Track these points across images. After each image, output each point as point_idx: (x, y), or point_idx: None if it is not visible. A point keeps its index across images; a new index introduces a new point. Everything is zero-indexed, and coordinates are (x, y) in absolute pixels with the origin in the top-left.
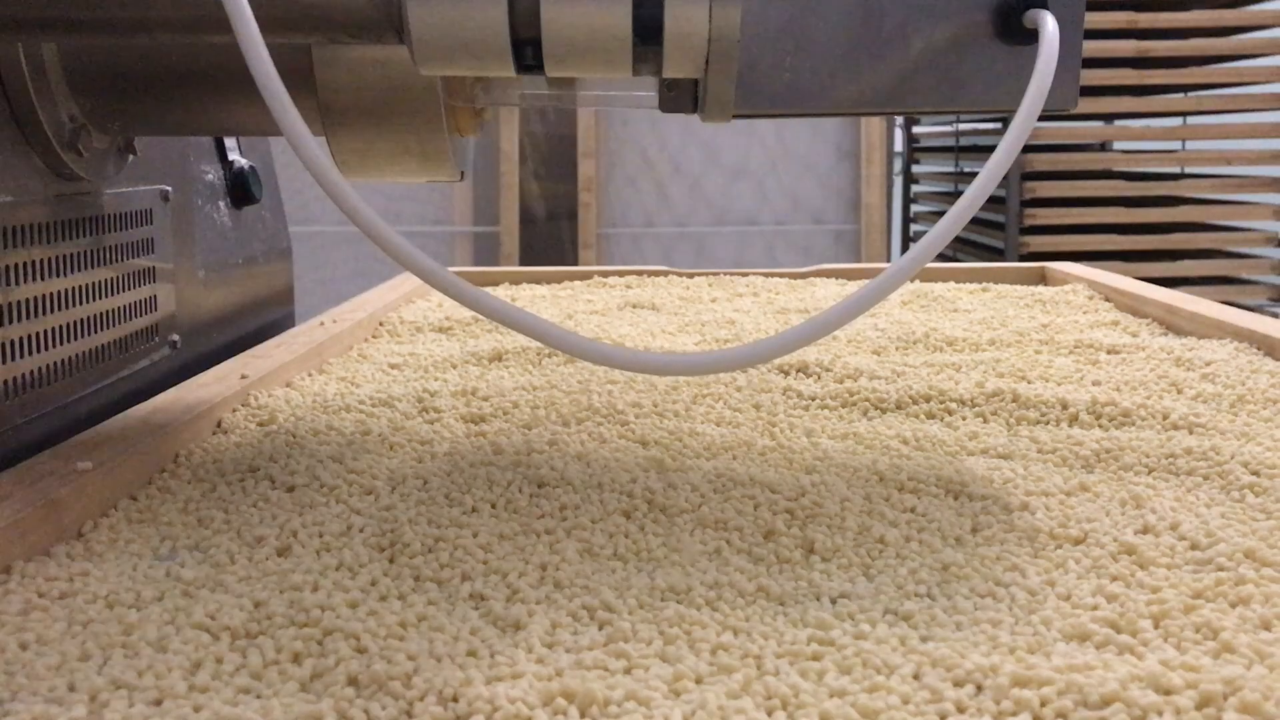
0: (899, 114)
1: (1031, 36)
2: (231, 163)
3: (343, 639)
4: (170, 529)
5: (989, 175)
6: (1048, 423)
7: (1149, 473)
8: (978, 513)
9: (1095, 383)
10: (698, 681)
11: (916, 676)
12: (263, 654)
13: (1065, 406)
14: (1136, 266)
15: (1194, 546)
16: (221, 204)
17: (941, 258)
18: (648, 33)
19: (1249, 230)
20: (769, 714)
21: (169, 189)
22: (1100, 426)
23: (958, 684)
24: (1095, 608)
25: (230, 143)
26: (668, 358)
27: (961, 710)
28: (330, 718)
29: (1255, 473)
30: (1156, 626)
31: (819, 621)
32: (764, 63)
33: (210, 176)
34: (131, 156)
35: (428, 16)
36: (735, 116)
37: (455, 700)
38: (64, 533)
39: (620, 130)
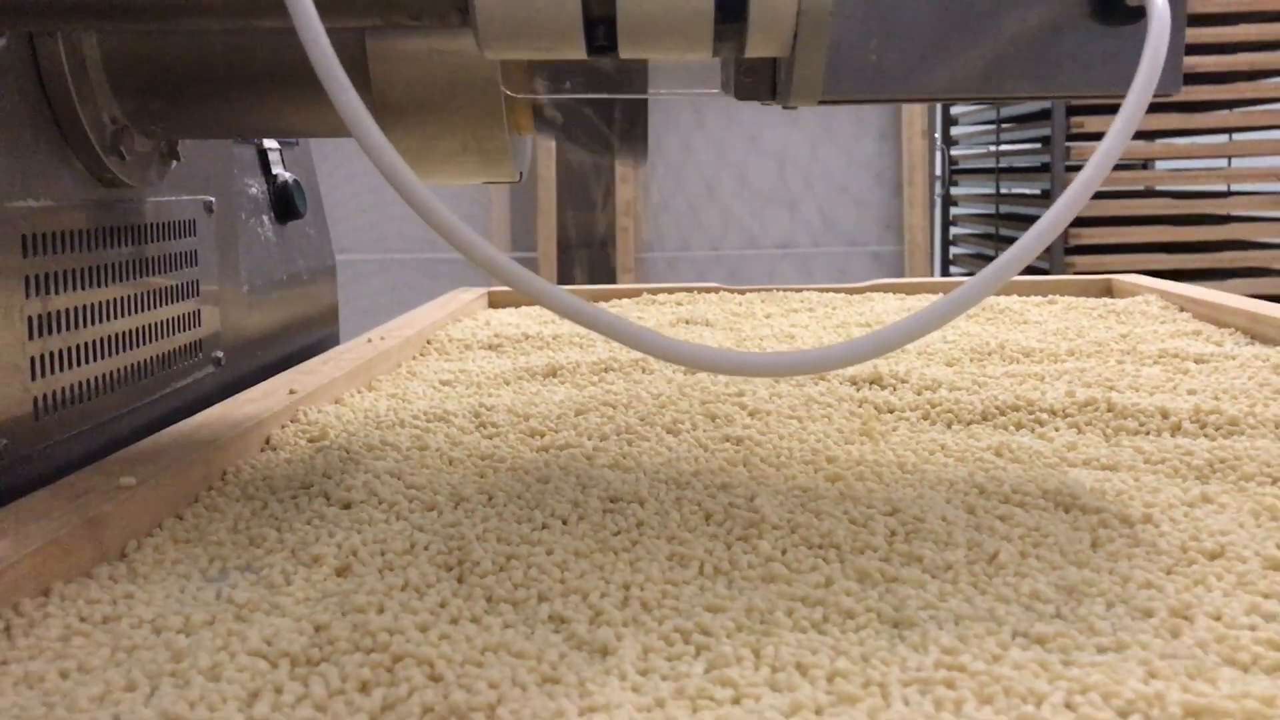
0: (990, 100)
1: (1130, 17)
2: (275, 176)
3: (415, 665)
4: (220, 549)
5: (1095, 170)
6: (1148, 432)
7: (1273, 483)
8: (1095, 526)
9: (1190, 391)
10: (818, 713)
11: (1069, 706)
12: (327, 683)
13: (1166, 415)
14: (1184, 287)
15: None
16: (265, 218)
17: None
18: (731, 7)
19: None
20: None
21: (212, 200)
22: (1207, 436)
23: (1121, 715)
24: (1254, 628)
25: (274, 155)
26: (770, 357)
27: None
28: None
29: None
30: None
31: (944, 646)
32: (848, 44)
33: (254, 190)
34: (175, 163)
35: None
36: (822, 102)
37: None
38: (106, 553)
39: (654, 156)
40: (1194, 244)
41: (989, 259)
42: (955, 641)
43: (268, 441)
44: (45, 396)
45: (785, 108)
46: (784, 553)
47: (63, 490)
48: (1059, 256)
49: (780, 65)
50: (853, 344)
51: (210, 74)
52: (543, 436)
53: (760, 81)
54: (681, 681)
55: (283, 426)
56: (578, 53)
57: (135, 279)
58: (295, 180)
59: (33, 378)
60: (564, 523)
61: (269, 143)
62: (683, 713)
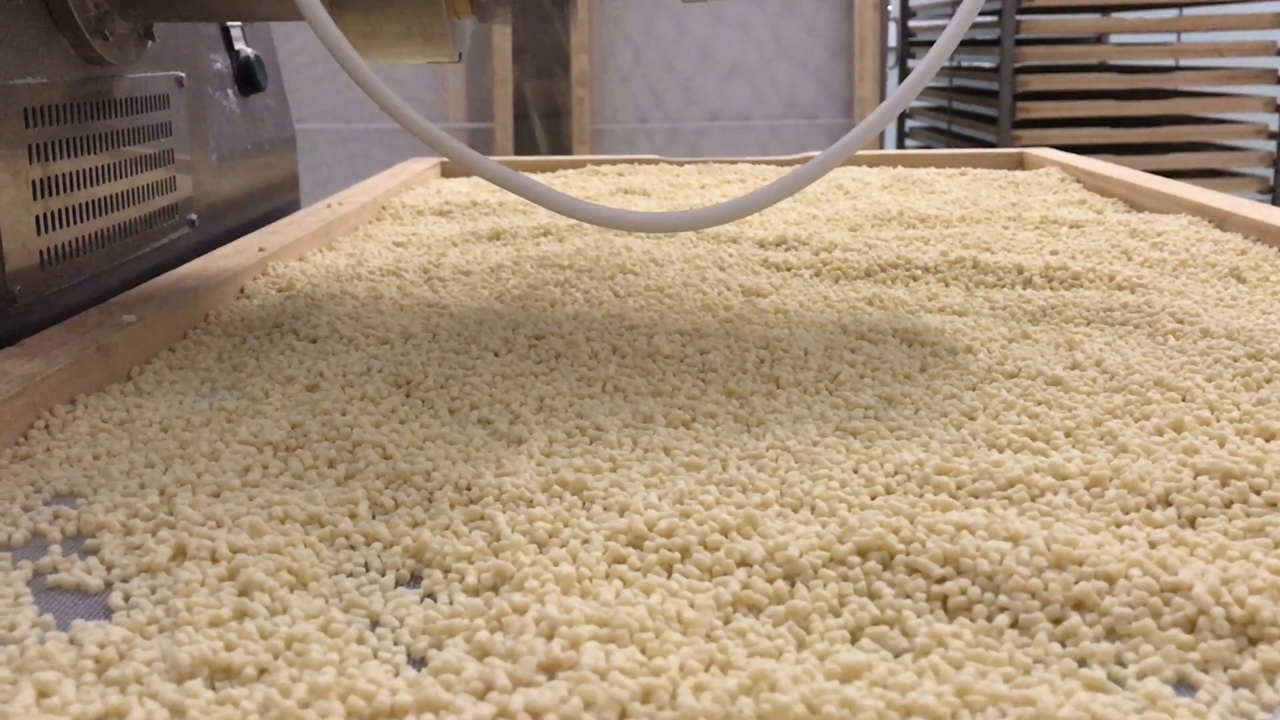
0: None
1: None
2: (238, 52)
3: (370, 448)
4: (208, 373)
5: (929, 63)
6: (1003, 286)
7: (1087, 324)
8: (926, 355)
9: (1053, 252)
10: (671, 473)
11: (856, 470)
12: (302, 461)
13: (1021, 271)
14: (1128, 160)
15: (1113, 377)
16: (230, 91)
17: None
18: None
19: (1240, 123)
20: (728, 496)
21: (183, 75)
22: (1051, 288)
23: (889, 474)
24: (1019, 423)
25: (236, 32)
26: (636, 215)
27: (889, 491)
28: (363, 504)
29: (1180, 321)
30: (1067, 436)
31: (777, 435)
32: None
33: (219, 65)
34: (151, 43)
35: None
36: None
37: (469, 489)
38: (116, 374)
39: (613, 27)
40: (1141, 119)
41: (942, 132)
42: (788, 433)
43: (242, 291)
44: (48, 249)
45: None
46: (674, 374)
47: (76, 325)
48: (1006, 130)
49: None
50: (709, 209)
51: None
52: (484, 289)
53: None
54: (575, 459)
55: (255, 279)
56: None
57: (119, 148)
58: (256, 55)
59: (38, 234)
60: (495, 354)
61: None
62: (569, 474)
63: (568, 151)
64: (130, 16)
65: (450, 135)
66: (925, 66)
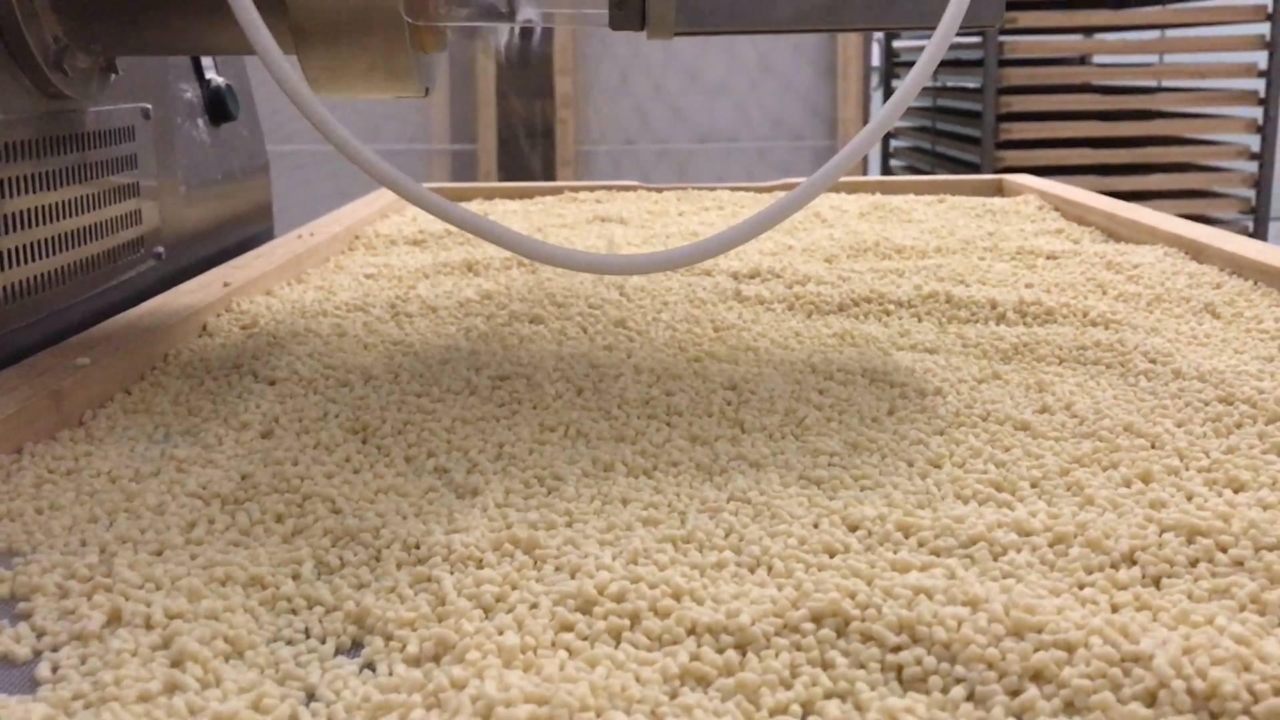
0: (835, 30)
1: None
2: (209, 81)
3: (320, 502)
4: (163, 417)
5: (901, 96)
6: (976, 321)
7: (1059, 362)
8: (895, 397)
9: (1028, 285)
10: (628, 528)
11: (816, 525)
12: (249, 515)
13: (994, 306)
14: (1111, 180)
15: (1082, 422)
16: (200, 121)
17: (920, 173)
18: None
19: (1222, 144)
20: (684, 555)
21: (149, 107)
22: (1024, 324)
23: (850, 530)
24: (985, 473)
25: (207, 61)
26: (594, 257)
27: (848, 550)
28: (309, 562)
29: (1152, 361)
30: (1033, 487)
31: (738, 485)
32: None
33: (189, 95)
34: (114, 75)
35: None
36: (677, 34)
37: (417, 547)
38: (67, 420)
39: (599, 49)
40: (1123, 139)
41: (926, 153)
42: (749, 482)
43: (204, 328)
44: (7, 287)
45: (649, 38)
46: (637, 417)
47: (28, 369)
48: (989, 151)
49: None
50: (673, 251)
51: None
52: (451, 325)
53: (631, 13)
54: (529, 513)
55: (218, 315)
56: None
57: (81, 182)
58: (228, 84)
59: None
60: (456, 395)
61: None
62: (523, 531)
63: (553, 173)
64: (91, 50)
65: (398, 170)
66: (892, 107)
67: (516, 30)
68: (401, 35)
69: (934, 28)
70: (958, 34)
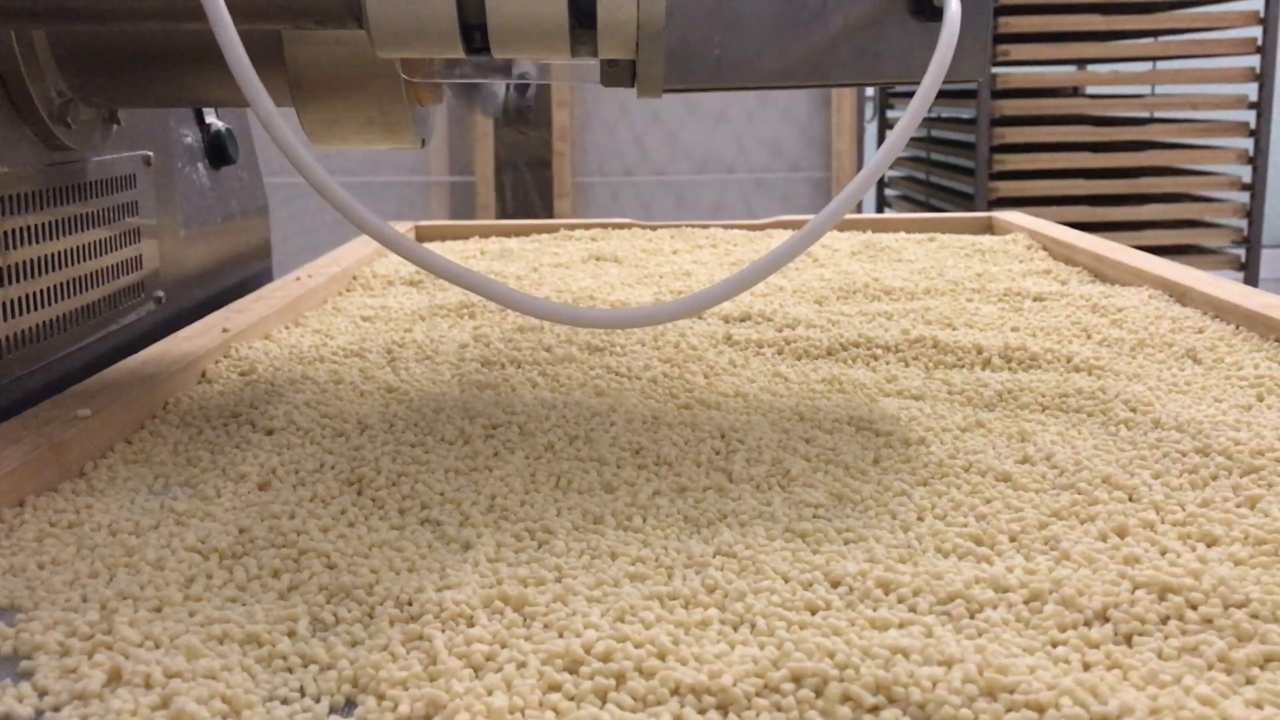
0: (821, 86)
1: (939, 14)
2: (209, 126)
3: (315, 557)
4: (163, 468)
5: (889, 148)
6: (961, 366)
7: (1042, 410)
8: (880, 446)
9: (1014, 329)
10: (615, 585)
11: (802, 584)
12: (247, 571)
13: (980, 351)
14: (1104, 210)
15: (1062, 473)
16: (200, 165)
17: (914, 204)
18: (583, 18)
19: (1215, 174)
20: (670, 612)
21: (150, 154)
22: (1010, 370)
23: (833, 585)
24: (965, 525)
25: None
26: (589, 311)
27: (828, 607)
28: (304, 619)
29: (1133, 409)
30: (1012, 540)
31: (725, 539)
32: (695, 40)
33: (189, 140)
34: (116, 126)
35: (384, 6)
36: (666, 91)
37: (410, 604)
38: (68, 471)
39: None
40: (1117, 170)
41: (921, 183)
42: (735, 536)
43: (203, 375)
44: (9, 337)
45: (639, 97)
46: (624, 468)
47: (30, 420)
48: (983, 183)
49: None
50: (660, 307)
51: (145, 54)
52: (445, 369)
53: (622, 71)
54: (519, 568)
55: (216, 362)
56: (457, 53)
57: (83, 231)
58: (228, 129)
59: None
60: (450, 445)
61: None
62: (513, 588)
63: (551, 205)
64: (94, 104)
65: (396, 231)
66: (879, 160)
67: (511, 86)
68: (399, 91)
69: (918, 82)
70: (944, 84)
